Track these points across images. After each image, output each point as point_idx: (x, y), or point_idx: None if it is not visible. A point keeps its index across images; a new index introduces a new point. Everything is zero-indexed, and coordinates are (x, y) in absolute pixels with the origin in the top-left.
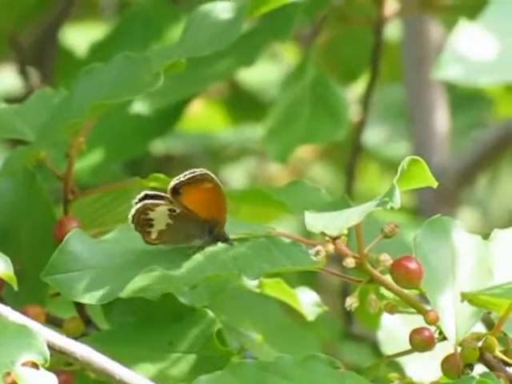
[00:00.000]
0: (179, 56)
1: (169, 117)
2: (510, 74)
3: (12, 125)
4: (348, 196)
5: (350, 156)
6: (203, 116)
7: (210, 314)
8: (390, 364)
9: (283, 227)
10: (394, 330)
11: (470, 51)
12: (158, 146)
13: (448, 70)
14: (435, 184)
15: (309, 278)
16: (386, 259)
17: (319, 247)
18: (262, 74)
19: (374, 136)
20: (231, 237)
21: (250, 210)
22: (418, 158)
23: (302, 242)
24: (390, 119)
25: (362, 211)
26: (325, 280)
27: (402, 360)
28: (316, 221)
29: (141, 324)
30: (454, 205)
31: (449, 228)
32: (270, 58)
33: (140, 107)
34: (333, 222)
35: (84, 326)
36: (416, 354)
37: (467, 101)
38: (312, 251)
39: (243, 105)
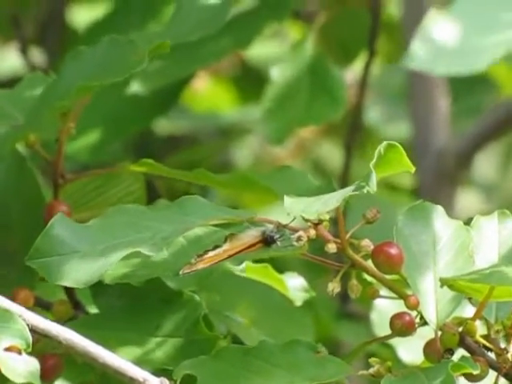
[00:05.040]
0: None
1: (167, 96)
2: (469, 62)
3: (2, 109)
4: (345, 174)
5: (348, 136)
6: (210, 94)
7: (197, 298)
8: (383, 345)
9: (283, 213)
10: (385, 312)
11: (438, 40)
12: (164, 125)
13: (418, 60)
14: (413, 169)
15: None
16: (368, 245)
17: (301, 233)
18: (270, 51)
19: (375, 116)
20: (214, 222)
21: (252, 195)
22: (395, 143)
23: (284, 228)
24: (391, 100)
25: (341, 196)
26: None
27: (393, 341)
28: (295, 205)
29: (128, 308)
30: (455, 185)
31: (430, 213)
32: (278, 35)
33: (137, 87)
34: (311, 206)
35: (73, 309)
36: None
37: (470, 83)
38: (294, 237)
39: (251, 83)
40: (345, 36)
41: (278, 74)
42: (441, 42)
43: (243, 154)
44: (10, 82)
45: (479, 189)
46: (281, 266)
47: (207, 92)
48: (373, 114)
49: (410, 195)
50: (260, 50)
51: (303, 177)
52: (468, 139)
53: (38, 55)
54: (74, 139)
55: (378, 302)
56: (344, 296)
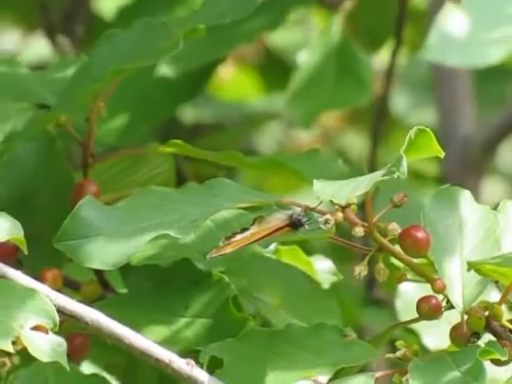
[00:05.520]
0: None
1: (196, 80)
2: (477, 55)
3: (34, 90)
4: (371, 162)
5: (374, 124)
6: (235, 82)
7: (226, 279)
8: (407, 331)
9: (309, 198)
10: (410, 298)
11: (453, 33)
12: (190, 113)
13: (434, 52)
14: (442, 154)
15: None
16: (395, 228)
17: (328, 216)
18: (294, 38)
19: (401, 105)
20: (242, 205)
21: (278, 181)
22: (425, 128)
23: (312, 210)
24: (417, 88)
25: (371, 180)
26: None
27: (418, 326)
28: (325, 189)
29: (158, 288)
30: (480, 174)
31: (457, 198)
32: (301, 23)
33: (167, 70)
34: (341, 191)
35: (102, 289)
36: (434, 321)
37: (495, 72)
38: (321, 220)
39: (275, 70)
40: (371, 23)
41: (304, 59)
42: (455, 35)
43: (267, 141)
44: (37, 69)
45: (503, 178)
46: (307, 252)
47: (232, 80)
48: (398, 103)
49: (435, 184)
50: (284, 37)
51: (333, 162)
52: (493, 128)
53: (64, 42)
54: (103, 122)
55: (402, 288)
56: (369, 282)
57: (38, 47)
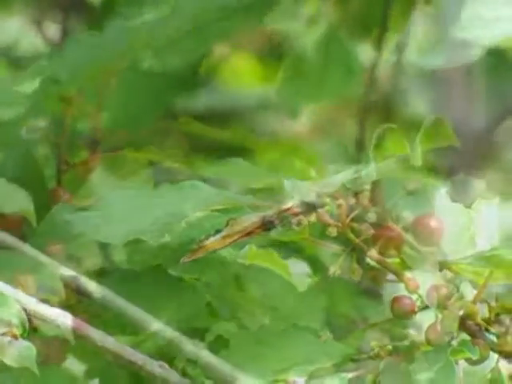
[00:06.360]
0: (173, 26)
1: (185, 74)
2: (458, 55)
3: (8, 93)
4: (357, 149)
5: (360, 111)
6: (237, 71)
7: (199, 284)
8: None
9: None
10: (398, 290)
11: (429, 35)
12: (192, 102)
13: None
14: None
15: None
16: (367, 228)
17: (301, 217)
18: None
19: (397, 94)
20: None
21: None
22: (392, 126)
23: (285, 212)
24: (411, 77)
25: (339, 181)
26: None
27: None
28: (294, 189)
29: (131, 293)
30: (476, 164)
31: (432, 196)
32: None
33: (155, 64)
34: (311, 190)
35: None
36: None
37: (491, 62)
38: (294, 221)
39: (277, 59)
40: (360, 10)
41: (293, 47)
42: (431, 37)
43: (265, 130)
44: (29, 60)
45: (500, 170)
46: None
47: (235, 69)
48: (394, 92)
49: (430, 173)
50: (286, 26)
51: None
52: (490, 118)
53: (53, 31)
54: (94, 117)
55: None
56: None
57: (32, 37)
